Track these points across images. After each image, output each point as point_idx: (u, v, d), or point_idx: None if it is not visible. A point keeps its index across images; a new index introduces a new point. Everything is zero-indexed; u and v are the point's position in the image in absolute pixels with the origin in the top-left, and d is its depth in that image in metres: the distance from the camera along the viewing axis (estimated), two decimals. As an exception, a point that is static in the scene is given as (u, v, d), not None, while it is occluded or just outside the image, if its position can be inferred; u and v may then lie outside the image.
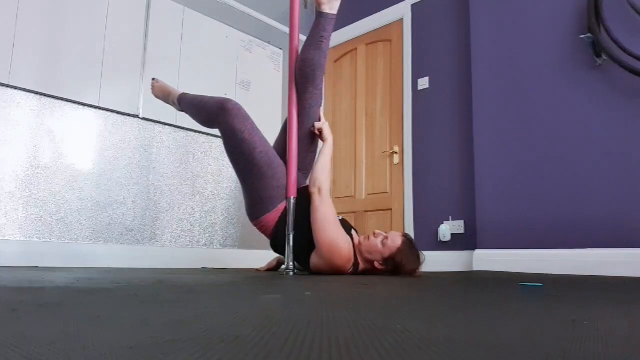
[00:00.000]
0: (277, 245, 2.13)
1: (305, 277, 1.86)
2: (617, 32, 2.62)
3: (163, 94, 2.51)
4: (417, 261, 2.04)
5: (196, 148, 3.52)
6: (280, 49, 4.18)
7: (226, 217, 3.64)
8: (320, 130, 2.19)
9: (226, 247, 3.61)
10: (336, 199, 4.15)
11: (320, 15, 2.15)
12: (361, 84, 4.21)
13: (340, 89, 4.38)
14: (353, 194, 4.11)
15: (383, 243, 2.01)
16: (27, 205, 2.67)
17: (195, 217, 3.45)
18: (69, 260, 2.75)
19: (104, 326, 0.52)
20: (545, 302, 1.02)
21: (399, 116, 3.86)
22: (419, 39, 3.82)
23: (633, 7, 2.61)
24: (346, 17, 4.26)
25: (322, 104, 2.65)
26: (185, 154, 3.44)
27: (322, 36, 2.13)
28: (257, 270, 2.57)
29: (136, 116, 3.18)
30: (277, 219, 2.11)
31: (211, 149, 3.60)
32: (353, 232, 2.15)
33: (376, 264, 2.03)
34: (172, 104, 2.46)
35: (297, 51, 2.20)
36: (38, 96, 2.77)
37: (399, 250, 1.98)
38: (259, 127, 2.12)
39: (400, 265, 1.99)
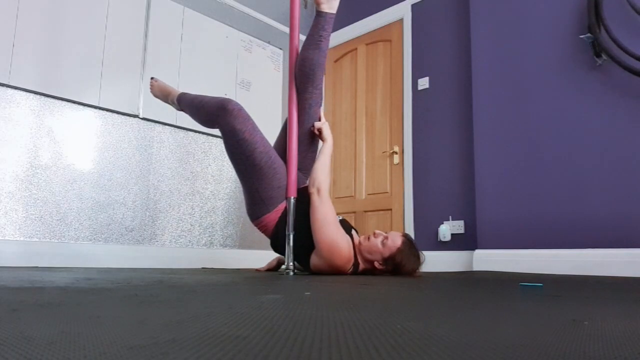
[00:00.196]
0: (278, 245, 2.13)
1: (305, 277, 1.86)
2: (617, 32, 2.62)
3: (162, 93, 2.51)
4: (417, 261, 2.04)
5: (196, 148, 3.52)
6: (280, 48, 4.18)
7: (226, 217, 3.64)
8: (320, 130, 2.19)
9: (226, 247, 3.61)
10: (336, 199, 4.15)
11: (319, 14, 2.15)
12: (361, 84, 4.21)
13: (340, 89, 4.38)
14: (353, 194, 4.11)
15: (383, 243, 2.01)
16: (27, 205, 2.67)
17: (195, 217, 3.45)
18: (69, 260, 2.75)
19: (103, 326, 0.52)
20: (545, 302, 1.02)
21: (399, 116, 3.86)
22: (419, 39, 3.82)
23: (633, 7, 2.61)
24: (346, 17, 4.26)
25: (322, 104, 2.65)
26: (185, 154, 3.44)
27: (321, 35, 2.13)
28: (257, 270, 2.57)
29: (136, 116, 3.18)
30: (277, 219, 2.11)
31: (211, 149, 3.60)
32: (353, 232, 2.15)
33: (376, 264, 2.03)
34: (172, 103, 2.46)
35: (297, 51, 2.20)
36: (38, 96, 2.77)
37: (399, 250, 1.98)
38: (259, 127, 2.12)
39: (400, 265, 1.99)
